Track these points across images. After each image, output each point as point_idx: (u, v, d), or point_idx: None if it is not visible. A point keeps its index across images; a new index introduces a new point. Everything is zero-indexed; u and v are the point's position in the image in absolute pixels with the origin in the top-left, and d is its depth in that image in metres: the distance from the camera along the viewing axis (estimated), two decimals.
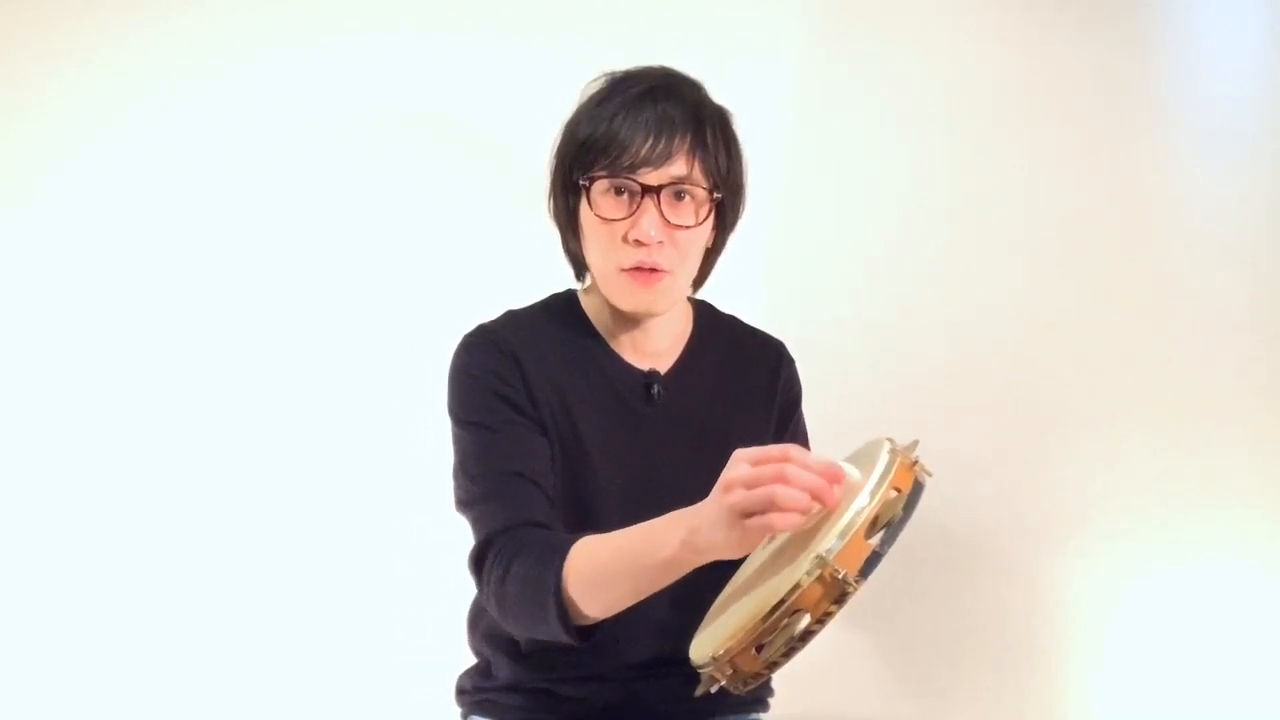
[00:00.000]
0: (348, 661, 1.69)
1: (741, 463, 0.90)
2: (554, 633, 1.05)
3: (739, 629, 0.90)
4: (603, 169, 1.15)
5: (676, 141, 1.14)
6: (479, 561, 1.13)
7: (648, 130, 1.14)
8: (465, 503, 1.18)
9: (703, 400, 1.27)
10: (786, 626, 0.88)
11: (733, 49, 1.70)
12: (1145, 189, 1.72)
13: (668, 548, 0.96)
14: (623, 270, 1.17)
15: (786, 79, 1.73)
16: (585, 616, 1.04)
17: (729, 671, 0.91)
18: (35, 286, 1.69)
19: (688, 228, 1.17)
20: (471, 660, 1.31)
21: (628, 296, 1.19)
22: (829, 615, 0.88)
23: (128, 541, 1.68)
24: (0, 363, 1.69)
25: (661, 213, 1.15)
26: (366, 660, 1.69)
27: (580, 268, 1.28)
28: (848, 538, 0.87)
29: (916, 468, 0.93)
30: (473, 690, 1.29)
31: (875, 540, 0.89)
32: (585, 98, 1.21)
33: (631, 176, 1.14)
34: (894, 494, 0.91)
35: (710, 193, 1.18)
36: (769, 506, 0.87)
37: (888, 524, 0.90)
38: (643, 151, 1.13)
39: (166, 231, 1.70)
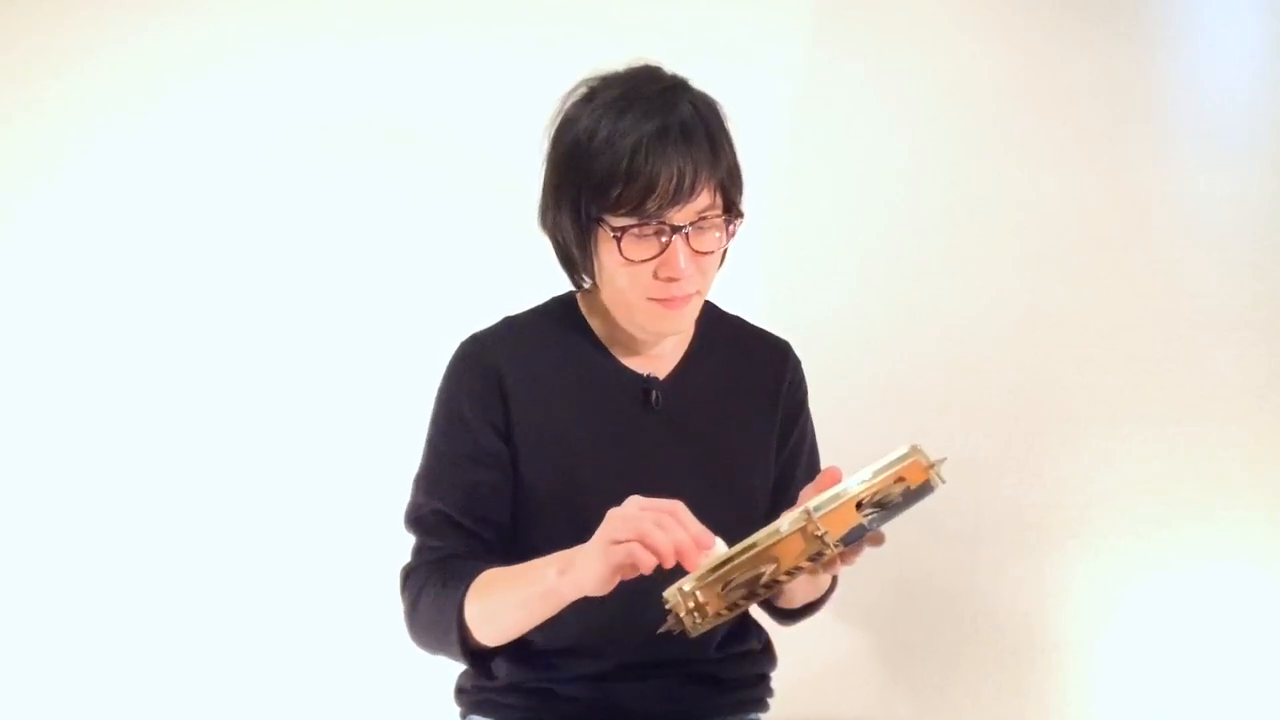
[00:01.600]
0: (348, 661, 1.69)
1: (631, 503, 0.97)
2: (455, 655, 1.13)
3: (712, 562, 0.92)
4: (628, 212, 1.11)
5: (703, 179, 1.12)
6: (404, 583, 1.20)
7: (671, 170, 1.10)
8: (409, 521, 1.22)
9: (704, 404, 1.26)
10: (755, 568, 0.91)
11: (733, 48, 1.70)
12: (1145, 189, 1.72)
13: (546, 579, 1.02)
14: (651, 300, 1.16)
15: (788, 78, 1.73)
16: (482, 644, 1.11)
17: (691, 605, 0.92)
18: (35, 286, 1.69)
19: (712, 252, 1.17)
20: None
21: (656, 322, 1.18)
22: (798, 570, 0.93)
23: (131, 539, 1.68)
24: None
25: (689, 245, 1.14)
26: (366, 659, 1.68)
27: (576, 276, 1.26)
28: (839, 502, 0.90)
29: (932, 470, 0.94)
30: (472, 690, 1.29)
31: (865, 516, 0.92)
32: (591, 110, 1.15)
33: (661, 220, 1.12)
34: (897, 482, 0.92)
35: (737, 216, 1.17)
36: (636, 538, 0.94)
37: (881, 505, 0.92)
38: (670, 192, 1.10)
39: (165, 232, 1.69)
